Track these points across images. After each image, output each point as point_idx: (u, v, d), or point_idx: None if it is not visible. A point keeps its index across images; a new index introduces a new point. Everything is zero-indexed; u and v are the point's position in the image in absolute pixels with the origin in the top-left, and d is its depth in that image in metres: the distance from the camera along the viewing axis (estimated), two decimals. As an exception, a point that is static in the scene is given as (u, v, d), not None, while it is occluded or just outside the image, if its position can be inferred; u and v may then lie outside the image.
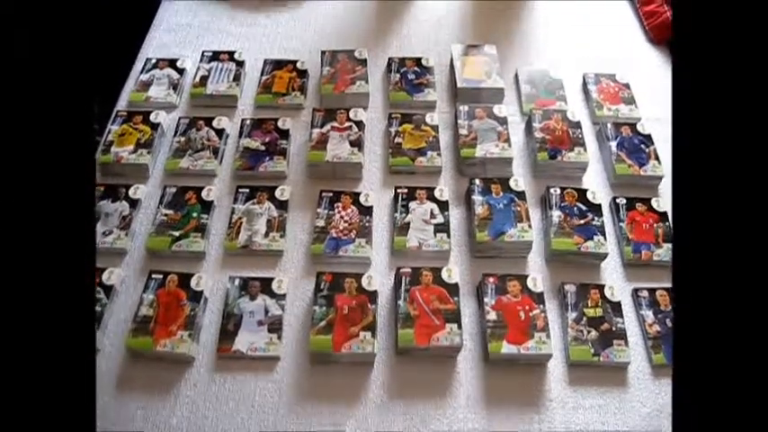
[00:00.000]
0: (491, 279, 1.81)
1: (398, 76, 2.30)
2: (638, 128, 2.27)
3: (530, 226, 1.97)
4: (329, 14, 2.59)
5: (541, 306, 1.73)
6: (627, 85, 2.44)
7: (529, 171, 2.14)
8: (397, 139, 2.11)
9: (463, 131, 2.10)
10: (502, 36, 2.48)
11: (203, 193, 1.94)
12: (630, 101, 2.26)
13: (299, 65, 2.34)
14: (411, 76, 2.32)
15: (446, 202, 1.93)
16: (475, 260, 1.89)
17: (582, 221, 1.97)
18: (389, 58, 2.36)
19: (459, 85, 2.35)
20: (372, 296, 1.73)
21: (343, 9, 2.59)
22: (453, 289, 1.72)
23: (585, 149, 2.16)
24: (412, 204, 1.94)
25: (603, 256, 1.98)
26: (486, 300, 1.76)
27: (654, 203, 2.01)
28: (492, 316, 1.76)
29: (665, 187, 2.06)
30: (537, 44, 2.53)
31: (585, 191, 2.08)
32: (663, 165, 2.18)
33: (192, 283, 1.75)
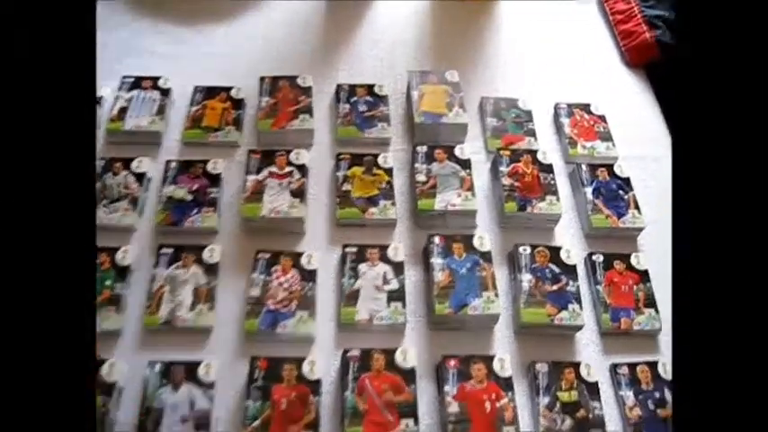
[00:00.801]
0: (452, 362, 1.57)
1: (348, 106, 2.04)
2: (616, 170, 2.02)
3: (496, 295, 1.72)
4: (271, 30, 2.27)
5: (509, 393, 1.53)
6: (602, 118, 2.18)
7: (495, 223, 1.92)
8: (346, 186, 1.86)
9: (421, 177, 1.85)
10: (464, 59, 2.20)
11: (118, 257, 1.66)
12: (607, 137, 2.04)
13: (233, 93, 2.04)
14: (362, 107, 2.05)
15: (401, 264, 1.71)
16: (435, 334, 1.67)
17: (555, 287, 1.74)
18: (338, 86, 2.08)
19: (416, 120, 2.04)
20: (315, 386, 1.50)
21: (287, 25, 2.23)
22: (409, 375, 1.51)
23: (558, 198, 1.90)
24: (362, 267, 1.71)
25: (579, 328, 1.76)
26: (446, 388, 1.54)
27: (634, 260, 1.81)
28: (453, 408, 1.53)
29: (645, 239, 1.89)
30: (503, 68, 2.29)
31: (559, 249, 1.85)
32: (643, 214, 1.94)
33: (104, 371, 1.46)
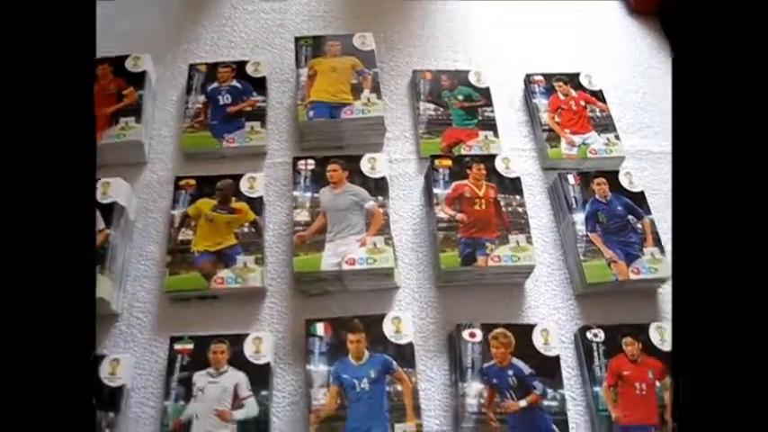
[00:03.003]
0: None
1: (203, 99, 1.41)
2: (623, 180, 1.21)
3: (419, 429, 1.04)
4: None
5: None
6: (599, 95, 1.34)
7: (422, 283, 1.26)
8: (185, 234, 1.24)
9: (302, 216, 1.22)
10: (384, 15, 1.34)
11: None
12: (607, 124, 1.44)
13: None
14: (225, 99, 1.41)
15: (266, 368, 1.12)
16: None
17: (523, 403, 1.09)
18: (190, 67, 1.46)
19: (300, 118, 1.22)
20: None
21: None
22: None
23: (529, 237, 1.13)
24: (198, 377, 1.10)
25: None
26: None
27: (654, 335, 1.19)
28: None
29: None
30: (447, 26, 1.61)
31: (530, 330, 1.14)
32: (667, 253, 1.24)
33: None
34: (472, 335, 1.13)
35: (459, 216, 1.23)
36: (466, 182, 1.27)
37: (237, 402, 1.10)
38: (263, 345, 1.14)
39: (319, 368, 1.08)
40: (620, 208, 1.30)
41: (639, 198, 1.31)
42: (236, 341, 1.15)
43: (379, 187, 1.25)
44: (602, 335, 1.19)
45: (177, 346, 1.15)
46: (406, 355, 1.09)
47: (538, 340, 1.13)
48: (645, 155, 1.44)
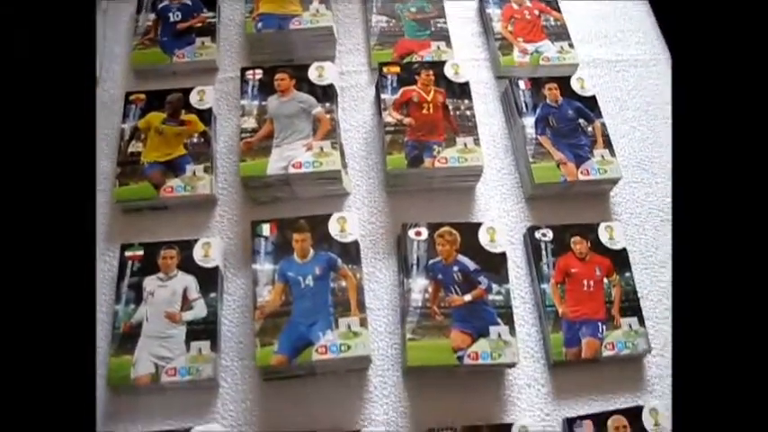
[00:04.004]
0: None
1: (153, 16, 1.41)
2: (575, 85, 1.21)
3: (362, 322, 1.02)
4: None
5: None
6: (554, 3, 1.35)
7: (372, 189, 1.27)
8: (135, 147, 1.24)
9: (249, 124, 1.21)
10: None
11: None
12: (561, 32, 1.43)
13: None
14: (175, 16, 1.42)
15: (215, 272, 1.13)
16: (265, 391, 1.09)
17: (468, 297, 1.10)
18: None
19: (248, 29, 1.21)
20: None
21: None
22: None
23: (477, 140, 1.11)
24: (148, 281, 1.12)
25: (509, 366, 1.10)
26: None
27: (603, 234, 1.20)
28: None
29: (622, 197, 1.30)
30: None
31: (476, 229, 1.14)
32: (617, 157, 1.25)
33: None
34: (418, 233, 1.13)
35: (407, 120, 1.22)
36: (414, 87, 1.26)
37: (187, 304, 1.12)
38: (211, 249, 1.15)
39: (265, 267, 1.08)
40: (570, 112, 1.29)
41: (591, 102, 1.31)
42: (186, 246, 1.15)
43: (326, 94, 1.24)
44: (550, 234, 1.20)
45: (128, 253, 1.15)
46: (351, 253, 1.10)
47: (484, 238, 1.14)
48: (600, 63, 1.44)
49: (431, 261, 1.11)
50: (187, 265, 1.13)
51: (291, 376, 1.07)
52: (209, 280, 1.12)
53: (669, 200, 1.29)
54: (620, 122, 1.35)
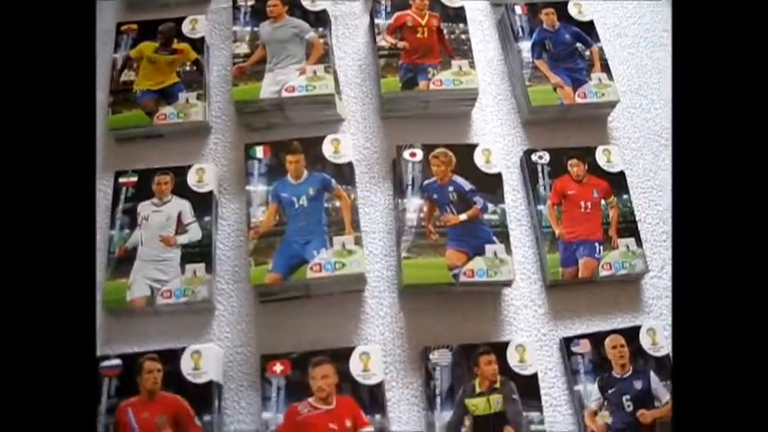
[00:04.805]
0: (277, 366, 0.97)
1: None
2: (572, 9, 1.18)
3: (357, 241, 1.03)
4: None
5: (378, 416, 0.97)
6: None
7: (368, 115, 1.25)
8: (127, 76, 1.22)
9: (242, 49, 1.20)
10: None
11: None
12: None
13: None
14: None
15: (209, 196, 1.13)
16: (261, 313, 1.09)
17: (463, 216, 1.10)
18: None
19: None
20: None
21: None
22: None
23: (473, 63, 1.09)
24: (143, 207, 1.12)
25: (506, 284, 1.10)
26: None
27: (600, 157, 1.20)
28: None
29: (620, 122, 1.28)
30: None
31: (472, 150, 1.14)
32: (615, 80, 1.23)
33: None
34: (413, 154, 1.12)
35: (401, 44, 1.21)
36: (408, 11, 1.24)
37: (181, 228, 1.11)
38: (206, 174, 1.14)
39: (258, 188, 1.08)
40: (567, 36, 1.28)
41: (588, 27, 1.29)
42: (180, 172, 1.15)
43: (319, 20, 1.23)
44: (547, 157, 1.19)
45: (122, 180, 1.15)
46: (345, 173, 1.09)
47: (479, 159, 1.13)
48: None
49: (426, 182, 1.10)
50: (181, 190, 1.13)
51: (287, 298, 1.06)
52: (203, 204, 1.12)
53: (668, 125, 1.28)
54: (618, 49, 1.33)
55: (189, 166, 1.14)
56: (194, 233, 1.09)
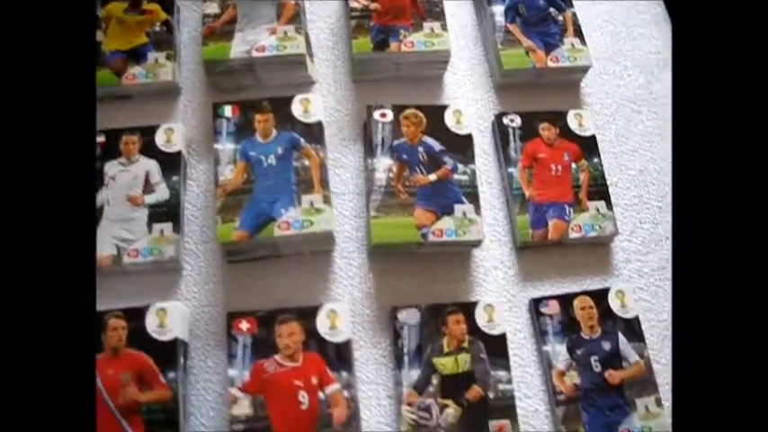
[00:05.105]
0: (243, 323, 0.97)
1: None
2: (546, -26, 1.18)
3: (325, 200, 1.01)
4: None
5: (344, 374, 0.97)
6: None
7: (339, 78, 1.24)
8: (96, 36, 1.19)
9: (212, 9, 1.18)
10: None
11: None
12: None
13: None
14: None
15: (177, 155, 1.12)
16: (229, 274, 1.09)
17: (432, 176, 1.10)
18: None
19: None
20: None
21: None
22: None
23: (445, 25, 1.08)
24: (110, 166, 1.10)
25: (475, 244, 1.09)
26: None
27: (572, 121, 1.20)
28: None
29: (592, 87, 1.28)
30: None
31: (442, 111, 1.13)
32: (588, 45, 1.24)
33: None
34: (383, 115, 1.11)
35: (373, 5, 1.20)
36: (379, -28, 1.23)
37: (149, 188, 1.10)
38: (174, 135, 1.13)
39: (226, 147, 1.07)
40: (540, 1, 1.28)
41: (561, -10, 1.28)
42: (148, 132, 1.14)
43: (287, -19, 1.20)
44: (518, 120, 1.19)
45: (91, 140, 1.13)
46: (314, 132, 1.08)
47: (450, 120, 1.12)
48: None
49: (395, 142, 1.09)
50: (149, 150, 1.12)
51: (255, 258, 1.05)
52: (171, 164, 1.11)
53: (641, 92, 1.27)
54: (592, 16, 1.33)
55: (157, 126, 1.12)
56: (162, 193, 1.08)
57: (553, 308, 1.07)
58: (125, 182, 1.09)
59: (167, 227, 1.06)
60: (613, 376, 1.04)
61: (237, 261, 1.06)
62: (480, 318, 1.02)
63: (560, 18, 1.25)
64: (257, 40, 1.14)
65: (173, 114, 1.18)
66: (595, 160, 1.16)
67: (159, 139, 1.12)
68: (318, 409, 0.94)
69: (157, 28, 1.22)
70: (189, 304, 1.04)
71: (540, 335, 1.06)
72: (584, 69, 1.23)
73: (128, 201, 1.08)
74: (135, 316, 0.98)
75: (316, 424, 0.93)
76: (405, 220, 1.04)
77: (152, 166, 1.10)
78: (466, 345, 1.01)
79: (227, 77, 1.17)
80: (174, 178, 1.09)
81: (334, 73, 1.22)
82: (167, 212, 1.07)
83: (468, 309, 1.03)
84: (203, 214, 1.10)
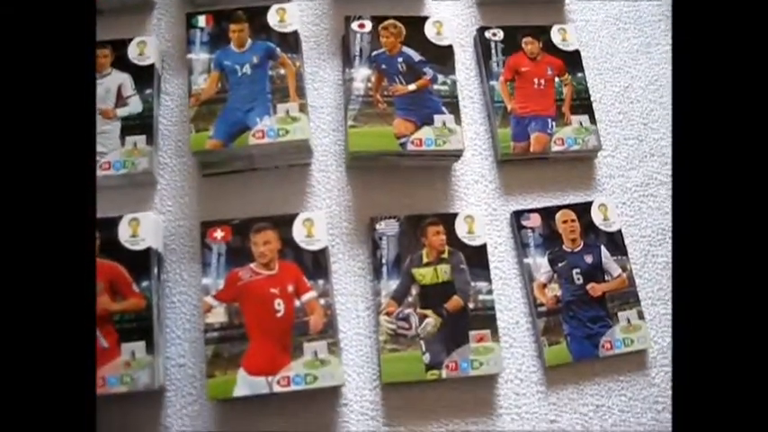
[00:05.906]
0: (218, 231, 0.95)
1: None
2: None
3: (301, 108, 0.98)
4: None
5: (320, 282, 0.94)
6: None
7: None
8: None
9: None
10: None
11: None
12: None
13: None
14: None
15: (150, 68, 1.10)
16: (204, 187, 1.07)
17: (412, 86, 1.06)
18: None
19: None
20: None
21: None
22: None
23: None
24: None
25: (456, 155, 1.08)
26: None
27: (555, 36, 1.17)
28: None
29: (577, 4, 1.25)
30: None
31: (423, 22, 1.11)
32: None
33: None
34: (362, 25, 1.09)
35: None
36: None
37: (121, 101, 1.07)
38: (147, 48, 1.11)
39: (200, 56, 1.04)
40: None
41: None
42: (120, 46, 1.10)
43: None
44: (501, 34, 1.16)
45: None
46: (290, 42, 1.05)
47: (430, 31, 1.09)
48: None
49: (374, 52, 1.07)
50: (121, 63, 1.08)
51: (231, 171, 1.03)
52: (144, 77, 1.08)
53: (627, 9, 1.24)
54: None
55: (129, 40, 1.09)
56: (135, 106, 1.06)
57: (535, 221, 1.06)
58: (97, 95, 1.06)
59: (140, 139, 1.03)
60: (595, 289, 1.02)
61: (213, 174, 1.04)
62: (460, 229, 1.01)
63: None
64: (230, -52, 1.10)
65: (146, 28, 1.15)
66: (579, 75, 1.14)
67: (132, 52, 1.09)
68: (294, 316, 0.92)
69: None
70: (164, 218, 1.02)
71: (521, 247, 1.04)
72: (569, -17, 1.19)
73: (99, 114, 1.04)
74: (107, 226, 0.96)
75: (292, 331, 0.91)
76: (383, 129, 1.01)
77: (124, 79, 1.07)
78: (446, 255, 0.99)
79: (201, -9, 1.13)
80: (148, 91, 1.07)
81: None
82: (140, 125, 1.05)
83: (447, 220, 1.01)
84: (178, 129, 1.08)
